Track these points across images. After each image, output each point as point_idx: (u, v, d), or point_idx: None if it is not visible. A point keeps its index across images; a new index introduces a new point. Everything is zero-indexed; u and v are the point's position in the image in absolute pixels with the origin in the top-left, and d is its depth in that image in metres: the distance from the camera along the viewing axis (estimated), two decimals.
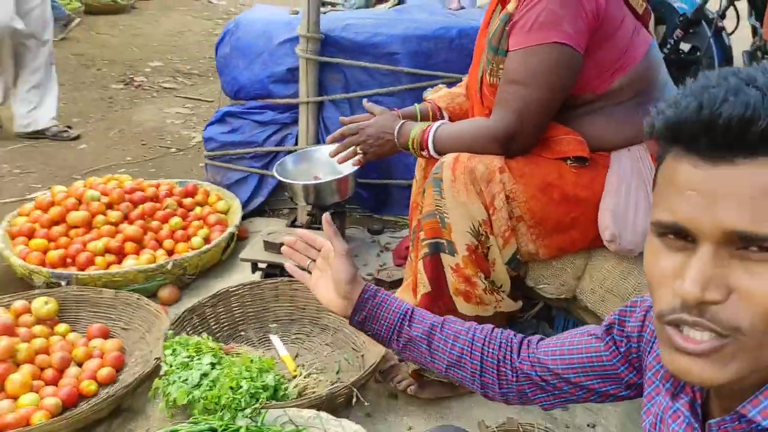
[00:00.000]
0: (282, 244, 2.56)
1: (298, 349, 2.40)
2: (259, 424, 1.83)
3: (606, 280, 2.01)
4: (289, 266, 1.51)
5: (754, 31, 4.39)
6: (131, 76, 5.80)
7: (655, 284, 0.79)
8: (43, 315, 2.45)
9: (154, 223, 2.98)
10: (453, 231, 1.97)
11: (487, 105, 2.07)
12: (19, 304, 2.46)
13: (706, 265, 0.73)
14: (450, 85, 2.59)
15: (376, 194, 3.29)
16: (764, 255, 0.72)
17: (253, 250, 2.67)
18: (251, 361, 2.01)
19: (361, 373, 2.06)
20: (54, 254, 2.74)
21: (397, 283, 2.53)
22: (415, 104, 2.36)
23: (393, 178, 3.26)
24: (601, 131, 1.96)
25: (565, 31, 1.80)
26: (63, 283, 2.61)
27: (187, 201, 3.19)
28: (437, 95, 2.43)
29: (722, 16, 4.23)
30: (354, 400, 2.01)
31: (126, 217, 2.97)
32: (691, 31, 4.17)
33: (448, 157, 2.01)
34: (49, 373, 2.25)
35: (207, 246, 2.84)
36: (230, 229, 2.96)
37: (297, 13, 3.24)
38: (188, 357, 2.04)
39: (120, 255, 2.82)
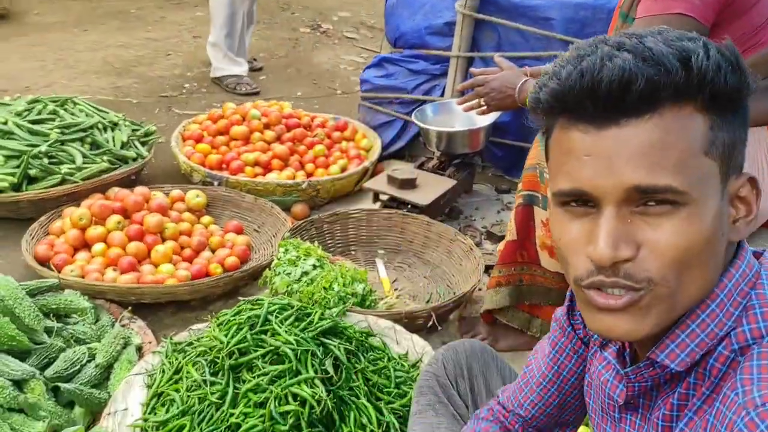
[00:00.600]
0: (405, 180, 2.77)
1: (397, 276, 2.59)
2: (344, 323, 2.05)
3: None
4: None
5: None
6: (319, 23, 6.22)
7: (567, 253, 0.82)
8: (193, 206, 2.85)
9: (301, 147, 3.30)
10: (550, 186, 2.05)
11: None
12: (176, 192, 2.88)
13: (613, 225, 0.76)
14: None
15: (510, 155, 3.37)
16: (662, 208, 0.76)
17: (377, 181, 2.89)
18: (347, 269, 2.24)
19: (444, 301, 2.21)
20: (213, 158, 3.14)
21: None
22: (547, 64, 2.41)
23: (528, 142, 3.31)
24: None
25: (691, 2, 1.79)
26: (215, 183, 3.00)
27: (336, 134, 3.48)
28: None
29: None
30: (430, 324, 2.17)
31: (279, 138, 3.32)
32: None
33: None
34: (187, 251, 2.63)
35: (341, 174, 3.11)
36: (365, 164, 3.20)
37: None
38: (297, 257, 2.31)
39: (267, 169, 3.17)
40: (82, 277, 2.36)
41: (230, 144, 3.29)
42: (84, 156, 2.87)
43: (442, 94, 3.40)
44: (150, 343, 2.11)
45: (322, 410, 1.57)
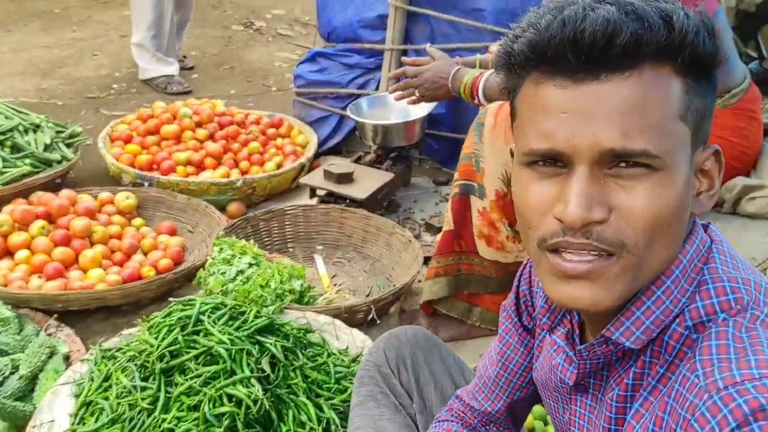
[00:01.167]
0: (342, 175, 2.74)
1: (337, 271, 2.56)
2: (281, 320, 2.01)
3: None
4: None
5: None
6: (252, 20, 6.12)
7: (532, 213, 0.79)
8: (123, 208, 2.75)
9: (235, 145, 3.23)
10: (486, 175, 2.05)
11: None
12: (104, 195, 2.78)
13: (585, 185, 0.73)
14: None
15: (447, 147, 3.37)
16: (635, 170, 0.73)
17: (314, 177, 2.84)
18: (284, 266, 2.19)
19: (382, 294, 2.19)
20: (143, 158, 3.04)
21: None
22: (477, 54, 2.43)
23: (464, 133, 3.32)
24: None
25: None
26: (146, 184, 2.91)
27: (271, 131, 3.41)
28: None
29: None
30: (370, 317, 2.14)
31: (211, 136, 3.24)
32: None
33: (494, 104, 2.08)
34: (118, 255, 2.54)
35: (277, 171, 3.05)
36: (301, 160, 3.15)
37: None
38: (231, 255, 2.25)
39: (200, 168, 3.09)
40: (5, 285, 2.25)
41: (161, 144, 3.19)
42: (4, 160, 2.73)
43: (377, 88, 3.38)
44: (78, 351, 2.02)
45: (259, 410, 1.53)
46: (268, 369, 1.61)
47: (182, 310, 1.71)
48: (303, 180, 2.87)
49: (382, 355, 1.39)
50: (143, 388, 1.58)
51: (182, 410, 1.53)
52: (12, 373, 1.86)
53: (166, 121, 3.26)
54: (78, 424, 1.65)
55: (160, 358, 1.59)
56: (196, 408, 1.53)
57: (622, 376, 0.85)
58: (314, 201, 2.84)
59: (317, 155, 3.39)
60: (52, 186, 2.81)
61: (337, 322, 2.02)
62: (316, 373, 1.74)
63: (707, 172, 0.82)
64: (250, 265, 2.21)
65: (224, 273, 2.16)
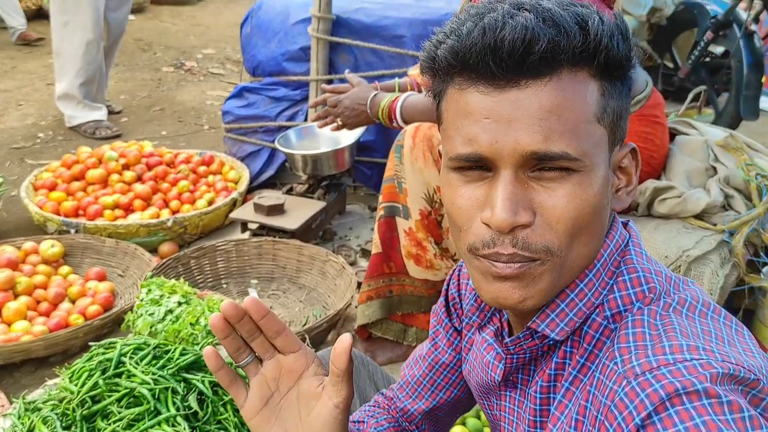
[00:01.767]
0: (272, 207, 2.73)
1: (272, 303, 2.53)
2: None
3: None
4: (210, 353, 0.93)
5: None
6: (183, 61, 6.10)
7: (461, 218, 0.80)
8: (49, 256, 2.68)
9: (165, 185, 3.19)
10: (409, 196, 2.07)
11: None
12: (28, 245, 2.70)
13: (510, 190, 0.74)
14: None
15: (379, 173, 3.39)
16: (556, 173, 0.75)
17: (244, 211, 2.83)
18: (215, 302, 2.16)
19: (316, 322, 2.18)
20: (68, 205, 2.97)
21: None
22: (396, 78, 2.47)
23: None
24: None
25: None
26: (72, 231, 2.84)
27: (202, 169, 3.39)
28: (418, 71, 2.52)
29: (755, 19, 4.14)
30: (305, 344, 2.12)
31: (140, 178, 3.19)
32: (721, 33, 4.10)
33: (411, 126, 2.11)
34: (44, 306, 2.46)
35: (209, 208, 3.02)
36: (233, 195, 3.13)
37: None
38: (160, 296, 2.20)
39: (128, 211, 3.04)
40: None
41: (87, 189, 3.13)
42: None
43: (306, 119, 3.39)
44: (2, 406, 1.95)
45: None
46: (195, 406, 1.58)
47: (103, 354, 1.66)
48: (233, 215, 2.85)
49: None
50: None
51: None
52: None
53: (92, 165, 3.20)
54: None
55: (81, 404, 1.54)
56: None
57: (544, 369, 0.87)
58: (246, 235, 2.81)
59: (250, 190, 3.38)
60: None
61: None
62: None
63: (625, 169, 0.85)
64: (180, 303, 2.16)
65: (152, 314, 2.11)
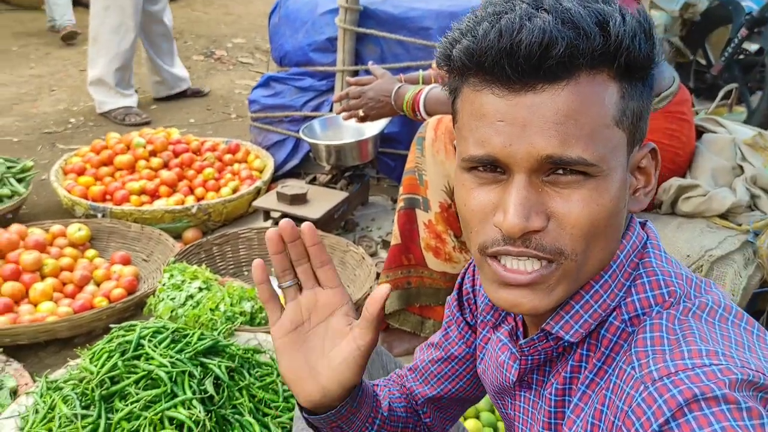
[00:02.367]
0: (295, 196, 2.75)
1: None
2: (227, 341, 2.00)
3: None
4: (259, 264, 0.93)
5: None
6: (213, 50, 6.15)
7: (473, 219, 0.78)
8: (76, 239, 2.73)
9: (190, 172, 3.22)
10: (429, 188, 2.07)
11: None
12: (56, 228, 2.75)
13: (524, 194, 0.73)
14: None
15: (402, 165, 3.37)
16: (572, 177, 0.73)
17: (267, 200, 2.85)
18: (234, 289, 2.18)
19: None
20: (95, 189, 3.03)
21: None
22: (420, 70, 2.46)
23: None
24: None
25: None
26: (99, 215, 2.89)
27: (227, 157, 3.42)
28: None
29: None
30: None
31: (166, 165, 3.24)
32: (756, 30, 4.01)
33: (433, 118, 2.11)
34: (69, 288, 2.51)
35: (233, 195, 3.05)
36: (257, 184, 3.16)
37: None
38: (182, 281, 2.24)
39: (154, 197, 3.08)
40: None
41: (115, 174, 3.18)
42: None
43: (331, 110, 3.40)
44: (26, 385, 2.00)
45: (202, 431, 1.51)
46: (211, 390, 1.60)
47: (123, 336, 1.69)
48: (256, 203, 2.88)
49: None
50: (83, 416, 1.55)
51: None
52: None
53: (120, 151, 3.25)
54: None
55: (100, 384, 1.58)
56: None
57: (560, 371, 0.86)
58: (268, 223, 2.84)
59: (275, 179, 3.41)
60: (3, 221, 2.79)
61: None
62: (264, 392, 1.73)
63: (644, 170, 0.83)
64: (201, 289, 2.20)
65: (174, 299, 2.15)
